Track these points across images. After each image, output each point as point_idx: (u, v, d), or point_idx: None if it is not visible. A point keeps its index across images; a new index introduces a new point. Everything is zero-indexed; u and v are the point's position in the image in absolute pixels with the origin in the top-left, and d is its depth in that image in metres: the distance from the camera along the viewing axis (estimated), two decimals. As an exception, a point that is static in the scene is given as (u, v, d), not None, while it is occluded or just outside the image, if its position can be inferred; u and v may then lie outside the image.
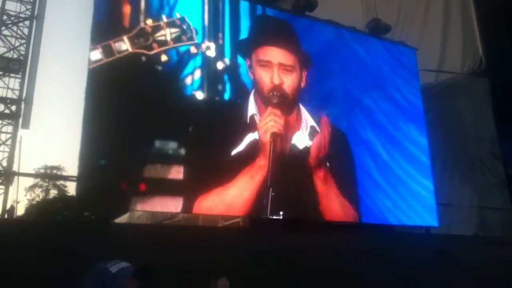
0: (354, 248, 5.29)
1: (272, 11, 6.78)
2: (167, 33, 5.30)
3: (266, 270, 4.56)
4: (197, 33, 5.55)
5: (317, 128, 6.12)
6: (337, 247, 5.19)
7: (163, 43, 5.27)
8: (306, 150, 5.95)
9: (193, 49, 5.51)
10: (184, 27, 5.42)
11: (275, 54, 6.00)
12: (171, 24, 5.36)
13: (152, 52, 5.19)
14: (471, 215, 7.84)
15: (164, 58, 5.27)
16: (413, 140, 7.22)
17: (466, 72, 8.72)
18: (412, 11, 9.52)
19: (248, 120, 5.70)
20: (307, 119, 6.12)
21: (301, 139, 5.99)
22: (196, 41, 5.51)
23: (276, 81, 5.83)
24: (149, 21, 5.29)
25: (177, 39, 5.36)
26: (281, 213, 5.51)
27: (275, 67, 5.91)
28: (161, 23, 5.32)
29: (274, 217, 5.45)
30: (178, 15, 5.46)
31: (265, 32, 6.43)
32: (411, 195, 6.85)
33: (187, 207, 5.13)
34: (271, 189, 5.29)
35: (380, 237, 6.14)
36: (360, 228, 6.31)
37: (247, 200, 5.34)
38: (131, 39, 5.07)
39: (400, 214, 6.65)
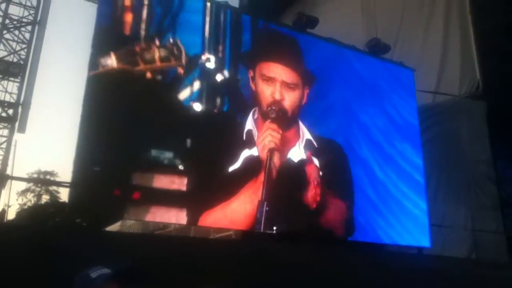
0: (347, 264, 5.26)
1: (274, 27, 6.83)
2: (156, 53, 5.31)
3: (257, 282, 4.52)
4: (187, 57, 5.54)
5: (314, 142, 6.13)
6: (330, 263, 5.15)
7: (149, 61, 5.26)
8: (302, 163, 5.96)
9: (180, 70, 5.48)
10: (175, 50, 5.43)
11: (280, 72, 6.00)
12: (162, 46, 5.37)
13: (137, 69, 5.17)
14: (464, 236, 7.82)
15: (148, 75, 5.25)
16: (408, 159, 7.21)
17: (464, 95, 8.77)
18: (411, 32, 9.63)
19: (244, 137, 5.70)
20: (304, 133, 6.13)
21: (296, 154, 5.99)
22: (183, 63, 5.49)
23: (277, 97, 5.85)
24: (142, 44, 5.31)
25: (164, 59, 5.36)
26: (274, 228, 5.49)
27: (278, 83, 5.93)
28: (152, 46, 5.33)
29: (268, 231, 5.43)
30: (171, 40, 5.49)
31: (271, 46, 6.46)
32: (404, 214, 6.83)
33: (188, 220, 5.12)
34: (265, 203, 5.28)
35: (372, 255, 6.11)
36: (352, 245, 6.29)
37: (249, 215, 5.33)
38: (117, 56, 5.06)
39: (393, 232, 6.62)
